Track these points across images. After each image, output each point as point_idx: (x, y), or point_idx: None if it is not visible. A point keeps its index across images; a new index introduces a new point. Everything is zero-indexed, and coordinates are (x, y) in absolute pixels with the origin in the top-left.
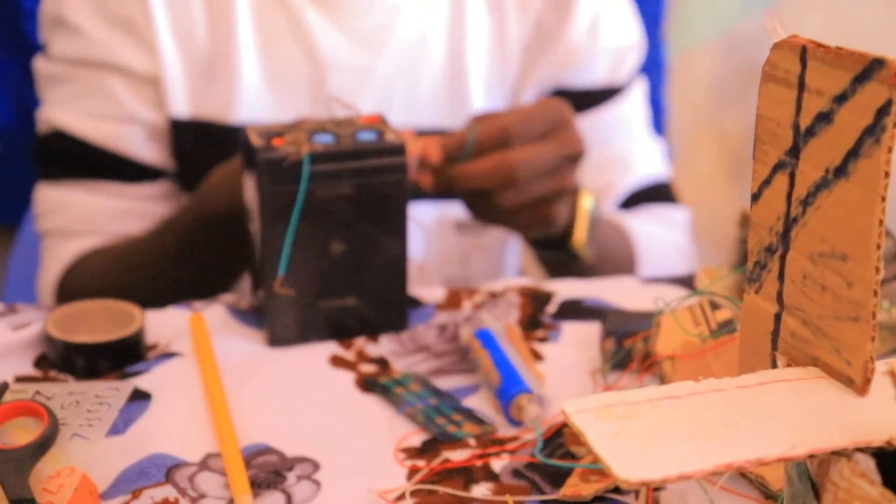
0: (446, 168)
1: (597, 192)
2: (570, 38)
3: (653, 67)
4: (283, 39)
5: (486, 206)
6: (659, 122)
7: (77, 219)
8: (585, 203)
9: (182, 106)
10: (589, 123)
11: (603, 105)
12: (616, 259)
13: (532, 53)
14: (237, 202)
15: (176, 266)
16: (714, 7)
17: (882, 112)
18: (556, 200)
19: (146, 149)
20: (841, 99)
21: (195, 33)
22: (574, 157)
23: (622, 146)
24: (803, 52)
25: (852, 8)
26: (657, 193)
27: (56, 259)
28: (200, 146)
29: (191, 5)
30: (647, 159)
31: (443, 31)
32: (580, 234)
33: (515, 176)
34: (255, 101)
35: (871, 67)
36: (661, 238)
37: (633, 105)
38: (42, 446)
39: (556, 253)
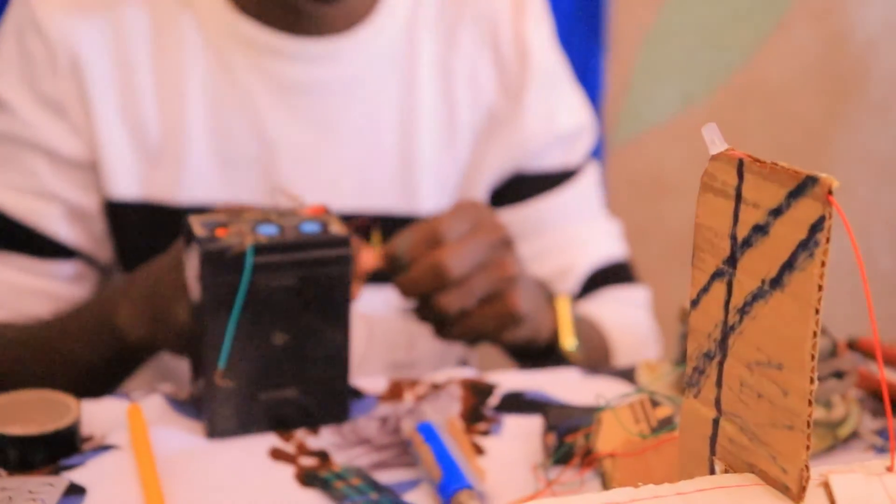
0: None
1: (557, 274)
2: (522, 124)
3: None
4: (233, 121)
5: (441, 320)
6: None
7: None
8: (563, 305)
9: (126, 188)
10: (546, 206)
11: (558, 188)
12: (593, 354)
13: (484, 140)
14: (152, 335)
15: (43, 367)
16: (656, 96)
17: (815, 228)
18: (508, 291)
19: (63, 227)
20: (776, 212)
21: (144, 115)
22: (504, 243)
23: (579, 227)
24: (740, 165)
25: (790, 94)
26: (616, 273)
27: None
28: (146, 227)
29: (140, 87)
30: (604, 239)
31: (394, 116)
32: (567, 337)
33: (448, 273)
34: (204, 181)
35: (805, 184)
36: (630, 324)
37: (588, 186)
38: None
39: (545, 361)
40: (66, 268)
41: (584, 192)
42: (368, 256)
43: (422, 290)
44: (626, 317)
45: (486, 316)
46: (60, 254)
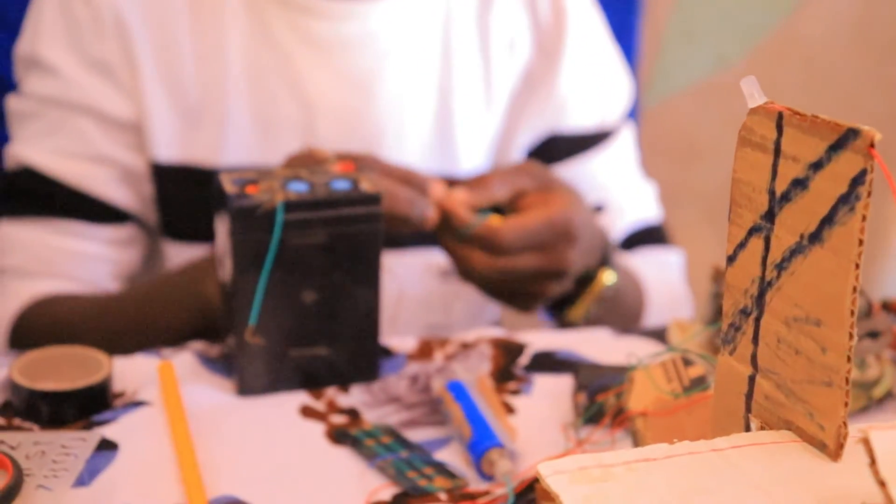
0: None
1: None
2: (558, 83)
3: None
4: (272, 82)
5: (468, 272)
6: None
7: (36, 258)
8: (604, 280)
9: (168, 150)
10: (581, 167)
11: (594, 148)
12: (627, 312)
13: (520, 101)
14: (212, 311)
15: (134, 338)
16: (690, 57)
17: (856, 181)
18: (529, 300)
19: (116, 191)
20: (816, 166)
21: (184, 78)
22: (569, 236)
23: (615, 189)
24: (780, 119)
25: (829, 56)
26: (651, 236)
27: (10, 300)
28: (187, 191)
29: (180, 50)
30: (640, 202)
31: (432, 76)
32: (581, 310)
33: (500, 241)
34: (244, 144)
35: (847, 137)
36: (665, 283)
37: (624, 148)
38: (6, 498)
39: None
40: (121, 232)
41: (621, 154)
42: (446, 196)
43: (470, 244)
44: (662, 276)
45: (514, 289)
46: (114, 218)
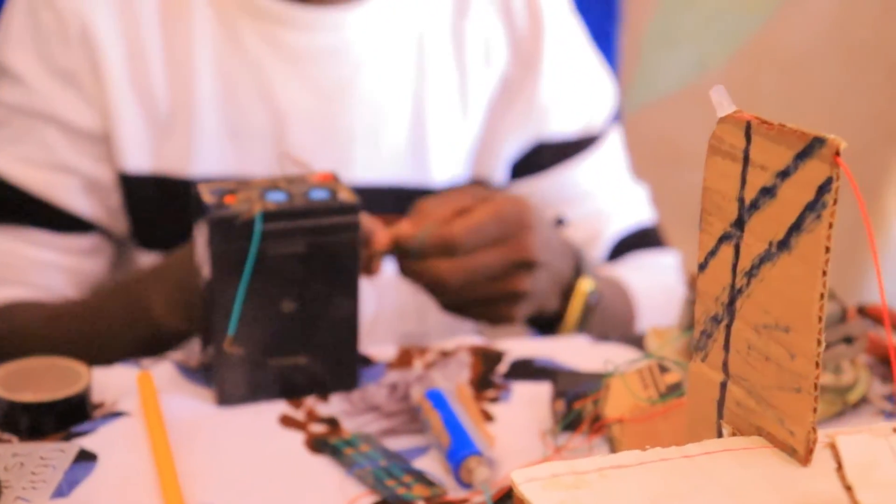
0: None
1: (584, 242)
2: (539, 92)
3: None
4: (243, 91)
5: (440, 288)
6: None
7: None
8: (583, 287)
9: (138, 160)
10: (569, 174)
11: (581, 155)
12: (617, 321)
13: (500, 110)
14: (186, 322)
15: (83, 350)
16: (670, 63)
17: (823, 189)
18: (508, 302)
19: (80, 200)
20: (784, 175)
21: (154, 87)
22: (526, 264)
23: (605, 194)
24: (748, 128)
25: (807, 60)
26: (645, 239)
27: None
28: (158, 200)
29: (150, 59)
30: (631, 206)
31: (406, 85)
32: (571, 321)
33: (455, 243)
34: (215, 153)
35: (813, 145)
36: (658, 287)
37: (612, 152)
38: None
39: (544, 330)
40: (83, 241)
41: (608, 158)
42: (383, 235)
43: (423, 283)
44: (654, 280)
45: (489, 293)
46: (77, 227)
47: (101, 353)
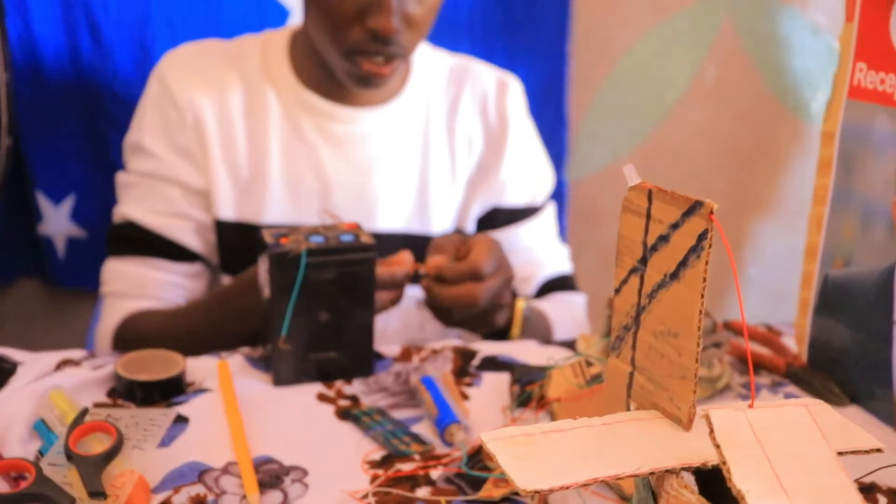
0: (430, 283)
1: (521, 281)
2: (500, 172)
3: (556, 194)
4: (300, 165)
5: (446, 316)
6: (562, 231)
7: (134, 285)
8: (521, 306)
9: (227, 211)
10: (515, 232)
11: (525, 219)
12: (539, 333)
13: (475, 182)
14: (252, 301)
15: (200, 335)
16: (595, 151)
17: (701, 237)
18: (495, 312)
19: (191, 239)
20: (675, 226)
21: (239, 160)
22: (508, 281)
23: (539, 249)
24: (650, 193)
25: (687, 150)
26: (563, 283)
27: (114, 313)
28: (240, 240)
29: (238, 141)
30: (556, 259)
31: (414, 163)
32: (516, 330)
33: (478, 304)
34: (279, 208)
35: (695, 206)
36: (567, 316)
37: (547, 220)
38: (111, 454)
39: (499, 338)
40: (193, 268)
41: (544, 224)
42: (405, 266)
43: (450, 305)
44: (566, 311)
45: (474, 324)
46: (189, 258)
47: (214, 342)
